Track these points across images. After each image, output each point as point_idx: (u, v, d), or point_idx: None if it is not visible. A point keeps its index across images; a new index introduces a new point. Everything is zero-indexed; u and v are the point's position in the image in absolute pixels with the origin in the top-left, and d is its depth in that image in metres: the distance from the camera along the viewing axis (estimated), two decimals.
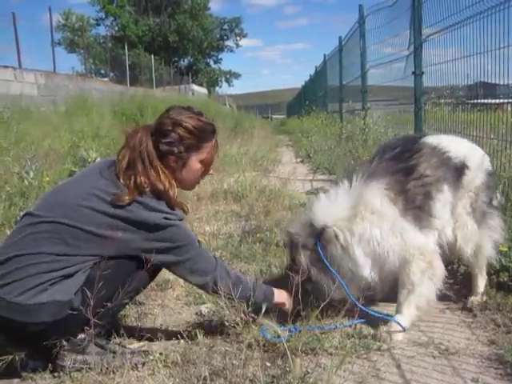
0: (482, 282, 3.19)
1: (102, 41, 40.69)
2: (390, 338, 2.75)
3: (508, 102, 5.52)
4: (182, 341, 2.75)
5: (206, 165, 2.66)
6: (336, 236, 2.83)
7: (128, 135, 2.56)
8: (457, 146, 3.06)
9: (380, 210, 2.80)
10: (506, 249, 3.27)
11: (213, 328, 2.82)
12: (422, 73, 6.23)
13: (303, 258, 2.84)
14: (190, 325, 2.92)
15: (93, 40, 39.67)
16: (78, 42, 36.07)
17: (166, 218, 2.41)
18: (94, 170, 2.57)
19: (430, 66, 6.11)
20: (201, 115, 2.63)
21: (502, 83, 4.45)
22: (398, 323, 2.79)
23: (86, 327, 2.31)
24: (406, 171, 2.89)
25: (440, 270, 2.86)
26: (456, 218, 3.03)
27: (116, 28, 51.83)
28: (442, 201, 2.92)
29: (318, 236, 2.85)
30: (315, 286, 2.83)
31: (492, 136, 4.57)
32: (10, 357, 2.31)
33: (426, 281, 2.81)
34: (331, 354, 2.55)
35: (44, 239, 2.32)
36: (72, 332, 2.36)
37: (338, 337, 2.72)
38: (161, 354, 2.50)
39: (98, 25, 53.11)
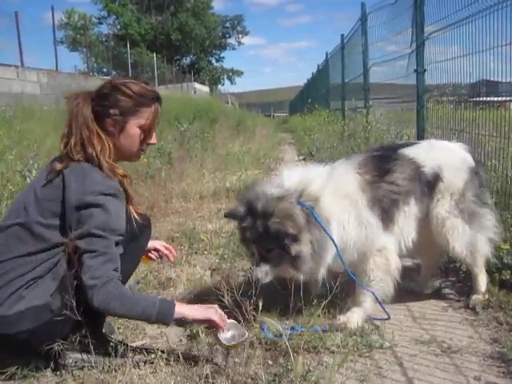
0: (482, 281, 3.18)
1: (104, 39, 40.76)
2: (347, 325, 2.83)
3: (511, 100, 5.50)
4: (183, 339, 2.76)
5: (146, 131, 2.53)
6: (317, 198, 2.80)
7: (69, 101, 2.50)
8: (433, 154, 3.11)
9: (351, 195, 2.88)
10: (508, 247, 3.26)
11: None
12: (425, 70, 6.22)
13: (300, 218, 2.71)
14: (192, 323, 2.91)
15: (95, 38, 39.70)
16: (80, 40, 36.13)
17: (93, 193, 2.27)
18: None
19: (432, 63, 6.10)
20: (146, 83, 2.58)
21: (504, 81, 4.43)
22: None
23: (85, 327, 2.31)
24: (382, 171, 2.98)
25: (395, 263, 2.94)
26: (442, 223, 3.05)
27: (118, 26, 51.87)
28: (407, 213, 3.01)
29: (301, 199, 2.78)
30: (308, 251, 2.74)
31: (494, 134, 4.55)
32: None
33: (381, 275, 2.91)
34: (333, 352, 2.55)
35: (4, 246, 2.31)
36: (64, 332, 2.33)
37: (340, 335, 2.72)
38: (163, 352, 2.49)
39: (101, 23, 53.28)
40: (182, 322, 2.66)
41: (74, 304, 2.22)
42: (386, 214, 2.93)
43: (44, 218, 2.30)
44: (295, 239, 2.69)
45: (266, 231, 2.69)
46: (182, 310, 2.34)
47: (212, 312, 2.41)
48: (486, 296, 3.13)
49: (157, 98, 2.57)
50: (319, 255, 2.78)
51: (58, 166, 2.35)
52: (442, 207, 3.05)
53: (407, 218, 3.02)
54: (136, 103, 2.48)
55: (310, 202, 2.77)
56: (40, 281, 2.27)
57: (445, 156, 3.15)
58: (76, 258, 2.24)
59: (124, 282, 2.51)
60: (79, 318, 2.24)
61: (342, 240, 2.85)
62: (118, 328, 2.79)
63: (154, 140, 2.61)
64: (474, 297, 3.16)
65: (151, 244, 2.88)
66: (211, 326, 2.49)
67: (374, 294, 2.90)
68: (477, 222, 3.09)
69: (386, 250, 2.93)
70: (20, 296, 2.22)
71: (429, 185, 3.06)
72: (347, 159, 3.13)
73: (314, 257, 2.76)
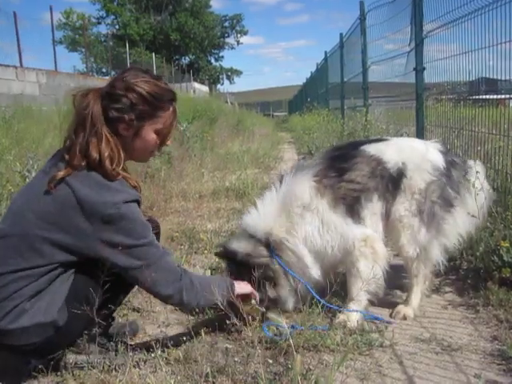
0: (416, 294, 3.08)
1: (103, 39, 40.73)
2: (346, 325, 2.83)
3: (510, 98, 5.50)
4: (184, 338, 2.76)
5: (163, 136, 2.41)
6: (282, 242, 2.88)
7: (76, 100, 2.31)
8: (397, 152, 3.08)
9: (309, 204, 2.91)
10: (507, 244, 3.26)
11: (215, 325, 2.82)
12: (424, 69, 6.22)
13: (273, 266, 2.86)
14: (192, 322, 2.91)
15: (94, 39, 39.66)
16: (79, 40, 36.14)
17: (116, 203, 2.17)
18: (43, 168, 2.41)
19: (431, 61, 6.10)
20: (159, 80, 2.38)
21: (503, 78, 4.43)
22: (353, 310, 2.92)
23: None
24: (340, 172, 2.98)
25: (382, 251, 2.95)
26: (399, 220, 3.03)
27: (117, 26, 51.86)
28: (370, 210, 3.00)
29: (269, 247, 2.88)
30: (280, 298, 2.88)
31: (494, 132, 4.55)
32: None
33: (370, 265, 2.90)
34: (333, 351, 2.55)
35: (2, 258, 2.20)
36: (73, 340, 2.33)
37: (340, 333, 2.72)
38: (163, 351, 2.50)
39: (99, 23, 53.30)
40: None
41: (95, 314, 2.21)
42: (353, 210, 2.95)
43: (46, 231, 2.17)
44: (273, 285, 2.86)
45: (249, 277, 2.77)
46: (238, 287, 2.65)
47: (249, 286, 2.72)
48: (412, 313, 3.02)
49: (173, 98, 2.43)
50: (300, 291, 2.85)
51: (60, 173, 2.18)
52: (402, 205, 3.02)
53: (372, 215, 3.01)
54: (153, 107, 2.32)
55: (277, 250, 2.89)
56: (43, 293, 2.20)
57: (410, 154, 3.09)
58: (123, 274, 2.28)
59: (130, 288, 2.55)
60: (96, 329, 2.27)
61: (321, 251, 2.92)
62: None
63: (169, 142, 2.50)
64: (399, 307, 3.07)
65: None
66: (248, 298, 2.71)
67: (328, 304, 2.90)
68: (435, 226, 3.01)
69: (369, 239, 2.93)
70: (23, 309, 2.16)
71: (393, 182, 3.02)
72: (302, 169, 3.06)
73: (295, 292, 2.85)
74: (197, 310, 2.75)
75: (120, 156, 2.28)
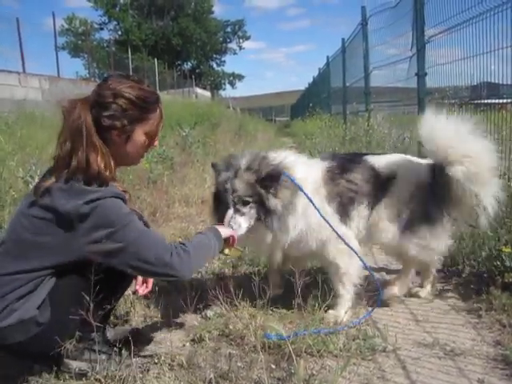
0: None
1: (105, 45, 40.85)
2: (337, 320, 2.99)
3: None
4: (187, 344, 2.77)
5: (151, 137, 2.46)
6: (293, 169, 3.04)
7: (66, 111, 2.30)
8: (391, 165, 3.26)
9: (318, 186, 3.10)
10: (509, 250, 3.26)
11: (218, 331, 2.82)
12: (425, 74, 6.23)
13: (280, 178, 2.93)
14: (196, 328, 2.92)
15: (96, 44, 39.79)
16: (81, 46, 36.19)
17: (87, 202, 2.15)
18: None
19: (433, 66, 6.11)
20: (142, 83, 2.43)
21: (505, 83, 4.43)
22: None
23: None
24: (342, 170, 3.18)
25: (356, 247, 3.09)
26: (377, 223, 3.20)
27: (119, 32, 52.01)
28: (359, 213, 3.18)
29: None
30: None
31: (496, 136, 4.56)
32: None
33: (345, 257, 3.07)
34: (336, 356, 2.55)
35: (1, 262, 2.26)
36: (57, 342, 2.25)
37: (343, 339, 2.72)
38: (166, 356, 2.50)
39: (102, 29, 53.41)
40: None
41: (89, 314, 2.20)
42: (344, 208, 3.13)
43: (32, 234, 2.21)
44: (274, 195, 2.92)
45: (249, 182, 2.90)
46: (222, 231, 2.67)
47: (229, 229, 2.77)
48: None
49: (158, 100, 2.48)
50: (285, 222, 2.95)
51: (45, 184, 2.22)
52: (384, 210, 3.17)
53: (359, 218, 3.19)
54: (142, 110, 2.36)
55: (286, 169, 3.00)
56: (32, 294, 2.22)
57: (401, 167, 3.24)
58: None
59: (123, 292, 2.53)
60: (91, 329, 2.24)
61: (302, 229, 3.02)
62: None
63: (156, 143, 2.55)
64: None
65: None
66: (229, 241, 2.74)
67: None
68: (412, 234, 3.15)
69: (346, 236, 3.05)
70: (12, 309, 2.18)
71: (382, 190, 3.20)
72: (323, 158, 3.36)
73: (281, 220, 2.94)
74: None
75: (111, 165, 2.31)
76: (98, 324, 2.28)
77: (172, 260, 2.26)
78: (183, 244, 2.37)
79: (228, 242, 2.73)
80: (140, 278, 2.71)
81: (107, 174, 2.26)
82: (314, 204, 2.96)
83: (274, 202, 2.91)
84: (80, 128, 2.24)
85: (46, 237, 2.20)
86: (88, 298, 2.20)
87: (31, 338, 2.20)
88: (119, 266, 2.26)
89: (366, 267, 3.13)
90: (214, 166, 3.15)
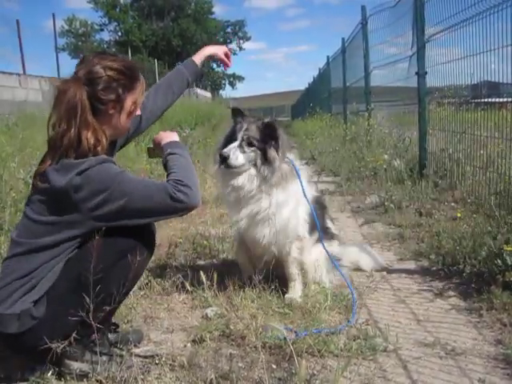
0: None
1: (105, 46, 40.89)
2: (295, 300, 3.22)
3: None
4: (188, 344, 2.76)
5: (137, 105, 2.53)
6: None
7: (61, 91, 2.33)
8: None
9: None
10: (511, 248, 3.26)
11: (219, 331, 2.82)
12: (426, 73, 6.23)
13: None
14: (196, 328, 2.92)
15: (97, 45, 39.87)
16: (81, 47, 36.26)
17: (78, 173, 2.20)
18: None
19: (433, 66, 6.11)
20: (120, 56, 2.52)
21: (506, 82, 4.44)
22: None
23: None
24: None
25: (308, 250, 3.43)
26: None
27: (119, 33, 52.04)
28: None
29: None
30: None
31: (496, 135, 4.56)
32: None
33: (302, 253, 3.38)
34: (337, 356, 2.55)
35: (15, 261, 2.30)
36: (53, 339, 2.24)
37: (343, 338, 2.72)
38: (167, 357, 2.50)
39: (102, 30, 53.46)
40: None
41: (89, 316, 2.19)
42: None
43: (41, 215, 2.28)
44: (277, 151, 3.15)
45: (263, 129, 3.18)
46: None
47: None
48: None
49: (139, 68, 2.56)
50: (274, 178, 3.15)
51: (41, 167, 2.32)
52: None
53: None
54: (131, 79, 2.44)
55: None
56: (34, 286, 2.25)
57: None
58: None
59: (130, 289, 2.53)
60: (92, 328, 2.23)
61: (285, 216, 3.23)
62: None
63: (139, 111, 2.61)
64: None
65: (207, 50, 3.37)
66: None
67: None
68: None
69: (305, 239, 3.40)
70: (15, 299, 2.22)
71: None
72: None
73: (273, 174, 3.14)
74: None
75: (103, 141, 2.35)
76: (99, 325, 2.27)
77: (177, 196, 2.29)
78: (176, 180, 2.36)
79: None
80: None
81: (99, 149, 2.30)
82: (305, 194, 3.30)
83: (273, 154, 3.13)
84: (75, 106, 2.28)
85: (52, 216, 2.26)
86: (88, 300, 2.19)
87: (27, 332, 2.20)
88: (131, 222, 2.31)
89: (341, 274, 3.42)
90: (235, 108, 3.48)
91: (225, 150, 3.12)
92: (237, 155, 3.11)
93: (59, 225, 2.26)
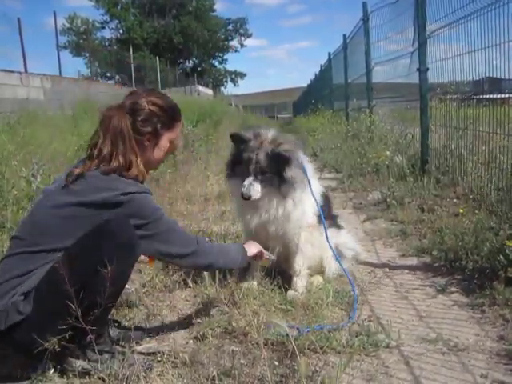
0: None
1: (107, 44, 40.89)
2: (298, 295, 3.28)
3: None
4: (190, 341, 2.77)
5: (173, 145, 2.71)
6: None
7: (106, 117, 2.48)
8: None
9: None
10: None
11: (221, 328, 2.82)
12: (427, 69, 6.22)
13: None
14: (199, 325, 2.92)
15: (98, 43, 39.83)
16: (83, 45, 36.24)
17: (125, 194, 2.33)
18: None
19: (434, 62, 6.10)
20: (167, 96, 2.69)
21: (508, 78, 4.42)
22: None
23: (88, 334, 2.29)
24: None
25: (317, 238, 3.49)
26: None
27: (121, 31, 52.02)
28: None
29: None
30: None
31: (498, 131, 4.55)
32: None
33: (308, 246, 3.44)
34: (339, 352, 2.55)
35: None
36: (46, 335, 2.21)
37: (346, 335, 2.72)
38: (169, 354, 2.51)
39: (103, 28, 53.43)
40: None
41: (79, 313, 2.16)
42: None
43: (65, 219, 2.31)
44: (290, 169, 3.17)
45: (271, 155, 3.14)
46: (249, 251, 2.94)
47: (255, 244, 3.04)
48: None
49: (180, 111, 2.71)
50: (294, 192, 3.23)
51: (77, 170, 2.38)
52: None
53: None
54: (171, 118, 2.60)
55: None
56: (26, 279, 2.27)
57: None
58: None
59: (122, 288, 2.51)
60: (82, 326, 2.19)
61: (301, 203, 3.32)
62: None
63: (175, 151, 2.73)
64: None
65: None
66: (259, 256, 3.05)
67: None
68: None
69: (313, 228, 3.45)
70: (13, 295, 2.23)
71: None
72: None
73: (293, 189, 3.21)
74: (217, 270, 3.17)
75: (144, 170, 2.52)
76: (92, 327, 2.23)
77: (198, 247, 2.57)
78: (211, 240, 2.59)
79: (256, 257, 3.04)
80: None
81: (141, 178, 2.48)
82: (316, 200, 3.39)
83: (290, 174, 3.16)
84: (122, 132, 2.43)
85: (75, 219, 2.30)
86: (73, 306, 2.14)
87: (15, 327, 2.21)
88: (147, 251, 2.47)
89: (344, 271, 3.46)
90: (235, 135, 3.32)
91: (244, 190, 3.11)
92: (257, 190, 3.14)
93: (75, 228, 2.28)
